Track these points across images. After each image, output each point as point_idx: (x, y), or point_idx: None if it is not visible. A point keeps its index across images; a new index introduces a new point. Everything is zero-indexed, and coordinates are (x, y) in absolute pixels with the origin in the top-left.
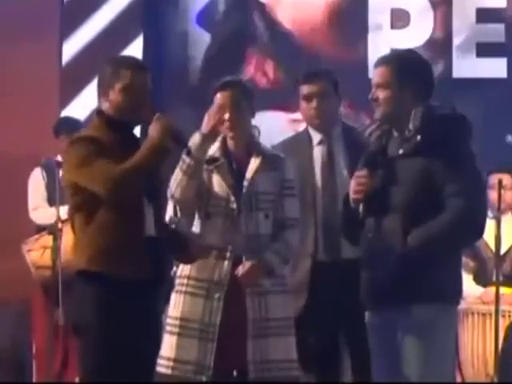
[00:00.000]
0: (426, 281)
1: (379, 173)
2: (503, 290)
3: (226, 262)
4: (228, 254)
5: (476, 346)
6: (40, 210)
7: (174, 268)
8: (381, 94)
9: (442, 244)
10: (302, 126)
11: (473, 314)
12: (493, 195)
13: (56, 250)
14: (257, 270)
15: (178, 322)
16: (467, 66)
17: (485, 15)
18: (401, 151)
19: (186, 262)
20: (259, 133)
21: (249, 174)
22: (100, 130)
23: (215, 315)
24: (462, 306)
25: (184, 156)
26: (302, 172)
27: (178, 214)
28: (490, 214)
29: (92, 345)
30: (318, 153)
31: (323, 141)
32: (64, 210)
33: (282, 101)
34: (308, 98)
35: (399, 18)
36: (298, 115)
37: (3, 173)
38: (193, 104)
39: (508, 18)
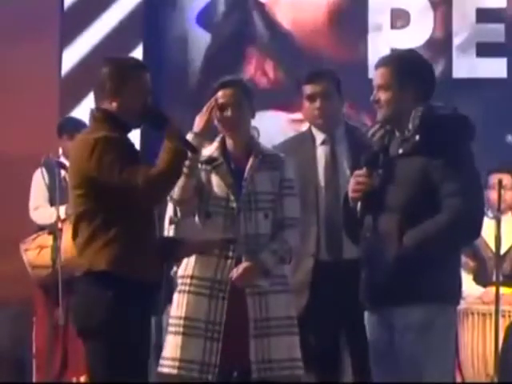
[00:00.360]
0: (425, 281)
1: (379, 172)
2: (503, 289)
3: (229, 261)
4: (231, 253)
5: (476, 346)
6: (40, 210)
7: (174, 268)
8: (382, 96)
9: (438, 244)
10: (301, 126)
11: (473, 314)
12: (493, 195)
13: (56, 249)
14: (251, 272)
15: (182, 322)
16: (467, 66)
17: (485, 15)
18: (400, 151)
19: (175, 260)
20: (259, 134)
21: (248, 173)
22: (112, 130)
23: (220, 314)
24: (462, 305)
25: None
26: (304, 172)
27: (178, 214)
28: (489, 214)
29: (110, 348)
30: (321, 152)
31: (326, 141)
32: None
33: (283, 101)
34: (311, 98)
35: (399, 18)
36: (298, 115)
37: (3, 173)
38: (193, 106)
39: (508, 18)
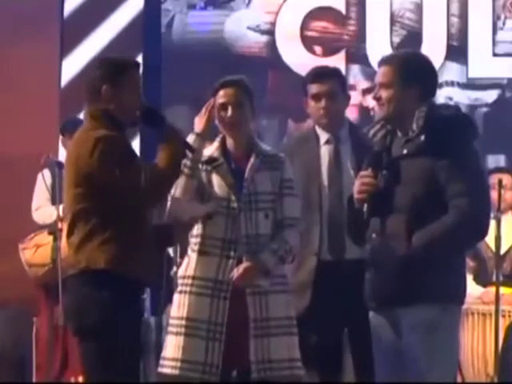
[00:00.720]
0: (432, 281)
1: (383, 173)
2: (503, 289)
3: (231, 261)
4: (232, 253)
5: (476, 346)
6: (41, 210)
7: (174, 268)
8: (384, 94)
9: (446, 245)
10: None
11: (473, 314)
12: (493, 195)
13: (56, 249)
14: (251, 272)
15: (183, 323)
16: None
17: None
18: (405, 151)
19: (170, 245)
20: (259, 135)
21: (248, 173)
22: (110, 128)
23: (222, 315)
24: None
25: None
26: (308, 171)
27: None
28: None
29: (106, 348)
30: (324, 152)
31: (330, 140)
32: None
33: None
34: (316, 98)
35: None
36: None
37: (3, 173)
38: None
39: None
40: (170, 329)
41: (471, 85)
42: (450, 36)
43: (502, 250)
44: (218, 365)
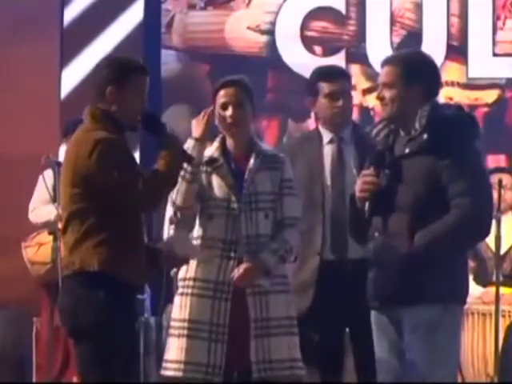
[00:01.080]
0: (434, 281)
1: (385, 172)
2: (503, 289)
3: (231, 262)
4: (233, 254)
5: (476, 346)
6: (35, 211)
7: (175, 268)
8: (387, 94)
9: (448, 244)
10: None
11: (473, 314)
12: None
13: (56, 249)
14: (252, 272)
15: (185, 324)
16: None
17: None
18: (407, 150)
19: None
20: (258, 135)
21: (248, 173)
22: (110, 130)
23: (223, 316)
24: None
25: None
26: (311, 170)
27: (178, 214)
28: None
29: (102, 349)
30: (327, 151)
31: (333, 140)
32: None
33: None
34: (331, 96)
35: None
36: None
37: (3, 173)
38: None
39: None
40: (172, 331)
41: (471, 85)
42: (449, 36)
43: (502, 250)
44: (220, 366)
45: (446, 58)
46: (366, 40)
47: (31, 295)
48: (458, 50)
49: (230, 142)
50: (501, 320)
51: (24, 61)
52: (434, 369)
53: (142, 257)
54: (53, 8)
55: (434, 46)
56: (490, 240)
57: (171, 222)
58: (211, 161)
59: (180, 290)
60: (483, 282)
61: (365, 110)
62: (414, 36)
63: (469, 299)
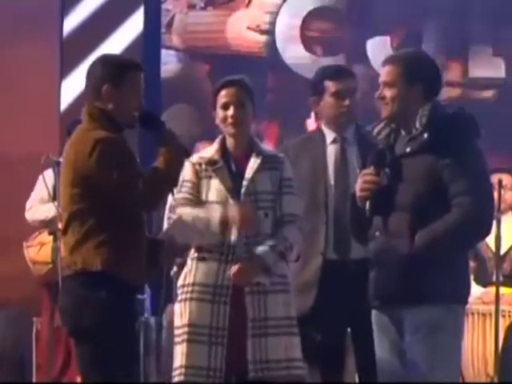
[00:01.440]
0: (436, 281)
1: (386, 171)
2: (503, 289)
3: (229, 265)
4: (231, 257)
5: (476, 346)
6: (33, 209)
7: (175, 268)
8: (388, 93)
9: (449, 243)
10: None
11: (473, 314)
12: None
13: (56, 249)
14: (249, 269)
15: (186, 329)
16: None
17: None
18: (408, 149)
19: (155, 263)
20: (259, 137)
21: (249, 173)
22: (109, 129)
23: (223, 319)
24: None
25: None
26: (314, 170)
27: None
28: None
29: (103, 350)
30: (331, 151)
31: (336, 139)
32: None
33: None
34: (339, 95)
35: None
36: None
37: (4, 173)
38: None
39: None
40: (176, 339)
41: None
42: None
43: (502, 250)
44: (221, 369)
45: (447, 57)
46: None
47: (31, 295)
48: (458, 49)
49: (230, 142)
50: (501, 320)
51: (24, 61)
52: (435, 369)
53: (144, 256)
54: (53, 8)
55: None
56: (490, 240)
57: (171, 211)
58: (211, 162)
59: (179, 298)
60: (483, 281)
61: None
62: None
63: (469, 299)
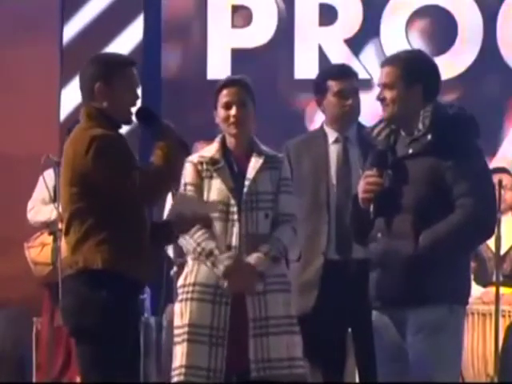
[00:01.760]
0: (438, 282)
1: (388, 172)
2: (503, 289)
3: None
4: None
5: (476, 346)
6: (32, 211)
7: (175, 268)
8: (387, 94)
9: (452, 244)
10: None
11: (473, 314)
12: None
13: (56, 249)
14: (242, 279)
15: (186, 329)
16: None
17: None
18: (410, 151)
19: (170, 242)
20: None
21: (250, 173)
22: (106, 127)
23: (223, 320)
24: None
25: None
26: (317, 170)
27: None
28: None
29: (104, 349)
30: (333, 151)
31: (339, 139)
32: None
33: None
34: (341, 95)
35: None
36: None
37: (4, 173)
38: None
39: None
40: (175, 339)
41: None
42: None
43: (502, 250)
44: (221, 369)
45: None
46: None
47: (31, 295)
48: None
49: (231, 142)
50: (501, 320)
51: (24, 61)
52: (436, 369)
53: (148, 252)
54: (53, 8)
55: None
56: (490, 240)
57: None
58: (212, 162)
59: (179, 297)
60: (483, 281)
61: None
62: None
63: (469, 299)
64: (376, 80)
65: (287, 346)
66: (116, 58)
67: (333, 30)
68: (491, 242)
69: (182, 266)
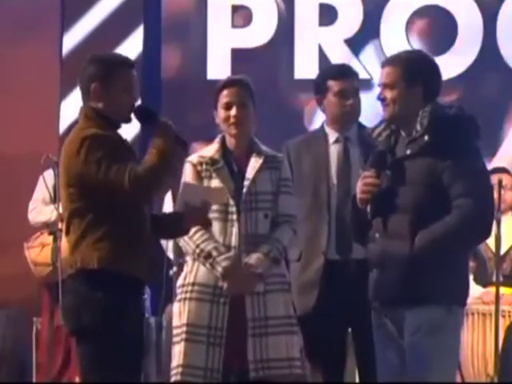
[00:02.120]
0: (436, 282)
1: (386, 173)
2: (503, 289)
3: None
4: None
5: (476, 346)
6: (36, 210)
7: (174, 268)
8: (388, 94)
9: (449, 244)
10: None
11: (473, 314)
12: None
13: (56, 249)
14: (242, 281)
15: (184, 329)
16: None
17: None
18: (408, 151)
19: (182, 233)
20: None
21: (250, 173)
22: (102, 127)
23: (222, 320)
24: None
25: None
26: (317, 170)
27: None
28: None
29: (103, 349)
30: (333, 151)
31: (339, 139)
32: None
33: None
34: (342, 94)
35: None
36: None
37: (3, 173)
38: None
39: None
40: (174, 339)
41: None
42: None
43: (502, 250)
44: (218, 369)
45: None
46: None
47: (31, 295)
48: None
49: (231, 142)
50: (501, 320)
51: (24, 61)
52: (433, 370)
53: (146, 251)
54: (53, 8)
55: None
56: (490, 240)
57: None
58: (212, 162)
59: (178, 297)
60: (483, 281)
61: None
62: None
63: (469, 299)
64: (376, 80)
65: (286, 346)
66: (114, 59)
67: (333, 30)
68: (491, 242)
69: (181, 266)
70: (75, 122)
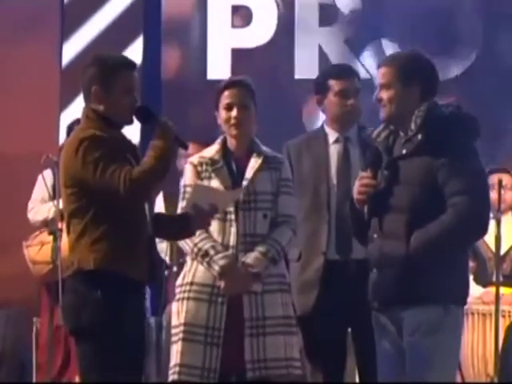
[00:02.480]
0: (434, 282)
1: (384, 173)
2: (503, 290)
3: None
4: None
5: (476, 346)
6: (33, 211)
7: (174, 268)
8: (385, 95)
9: (445, 243)
10: None
11: (473, 314)
12: (493, 195)
13: (56, 249)
14: (239, 280)
15: (182, 328)
16: None
17: None
18: (404, 151)
19: (189, 235)
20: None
21: (249, 173)
22: (102, 128)
23: (219, 320)
24: None
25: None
26: (317, 170)
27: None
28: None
29: (102, 349)
30: (333, 151)
31: (339, 139)
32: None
33: None
34: (343, 94)
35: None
36: None
37: (3, 173)
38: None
39: None
40: (173, 338)
41: None
42: None
43: (502, 250)
44: (215, 369)
45: None
46: None
47: (31, 295)
48: None
49: (231, 143)
50: (501, 320)
51: (24, 61)
52: (434, 369)
53: (144, 252)
54: (53, 8)
55: None
56: (490, 240)
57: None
58: (211, 162)
59: (177, 297)
60: (483, 282)
61: None
62: None
63: (469, 299)
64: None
65: (285, 347)
66: (115, 60)
67: (333, 30)
68: (491, 242)
69: (181, 266)
70: (77, 121)
